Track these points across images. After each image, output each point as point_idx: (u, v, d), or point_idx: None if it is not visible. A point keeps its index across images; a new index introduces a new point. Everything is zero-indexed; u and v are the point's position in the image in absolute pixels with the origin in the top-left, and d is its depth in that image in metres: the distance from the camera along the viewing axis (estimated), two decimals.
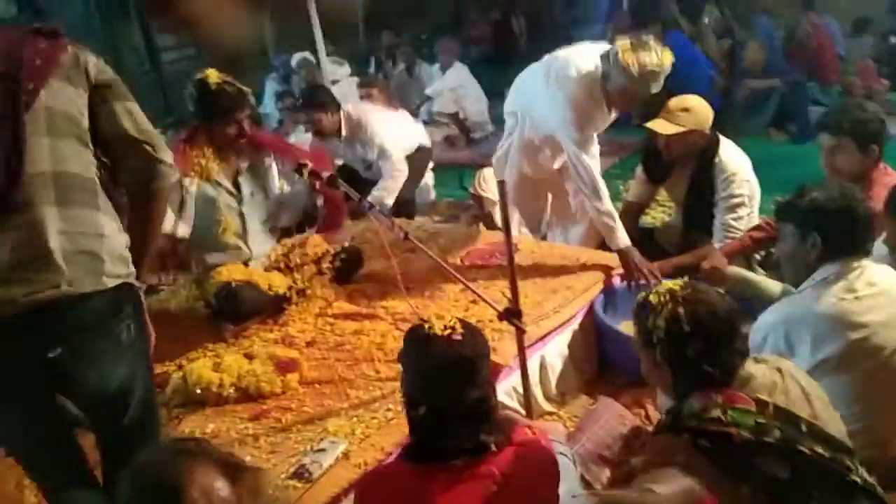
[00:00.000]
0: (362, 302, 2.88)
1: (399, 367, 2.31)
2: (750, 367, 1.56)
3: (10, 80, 1.51)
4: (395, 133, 4.18)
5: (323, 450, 2.02)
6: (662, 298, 1.55)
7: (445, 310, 2.71)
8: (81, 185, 1.59)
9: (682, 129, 2.99)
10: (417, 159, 4.36)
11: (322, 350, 2.59)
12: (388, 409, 2.17)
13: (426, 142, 4.57)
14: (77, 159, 1.59)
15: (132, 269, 1.68)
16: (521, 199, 3.42)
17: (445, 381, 1.45)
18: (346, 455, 2.00)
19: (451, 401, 1.44)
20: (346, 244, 3.11)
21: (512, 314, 2.18)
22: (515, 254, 2.96)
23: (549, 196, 3.55)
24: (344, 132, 4.11)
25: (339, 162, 4.25)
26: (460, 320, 1.52)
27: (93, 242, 1.59)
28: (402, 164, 4.11)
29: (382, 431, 2.09)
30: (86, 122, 1.63)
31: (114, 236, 1.64)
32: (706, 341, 1.49)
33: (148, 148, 1.68)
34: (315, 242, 3.01)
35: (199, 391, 2.34)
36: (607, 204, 2.91)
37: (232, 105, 2.69)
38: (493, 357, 2.27)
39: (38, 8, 6.44)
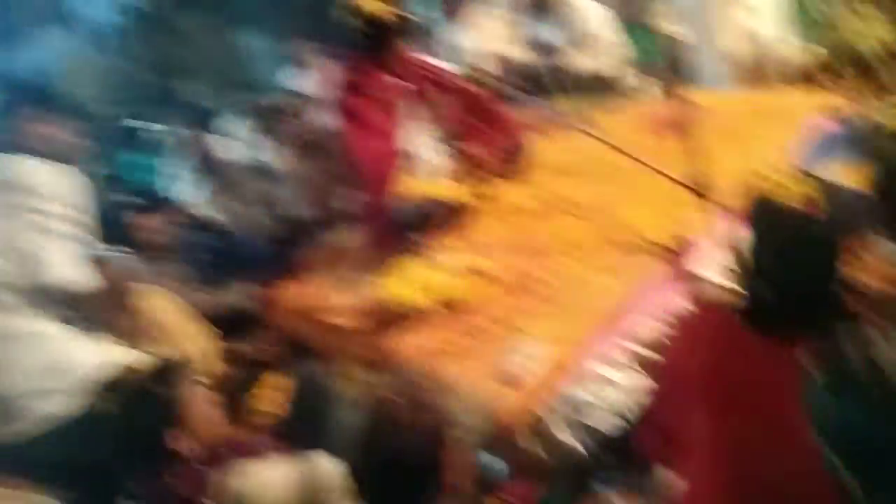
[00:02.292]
0: (542, 197, 2.81)
1: (587, 259, 2.34)
2: None
3: None
4: None
5: (521, 352, 2.05)
6: None
7: (630, 191, 2.58)
8: None
9: None
10: None
11: (508, 251, 2.58)
12: (581, 303, 2.14)
13: None
14: None
15: None
16: None
17: (799, 267, 1.29)
18: (545, 354, 2.01)
19: (800, 281, 1.29)
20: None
21: (697, 189, 2.03)
22: (707, 113, 2.74)
23: None
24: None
25: None
26: (822, 182, 1.34)
27: None
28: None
29: (577, 326, 2.09)
30: None
31: None
32: None
33: None
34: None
35: (397, 308, 2.45)
36: None
37: (387, 36, 2.72)
38: (689, 234, 2.20)
39: None
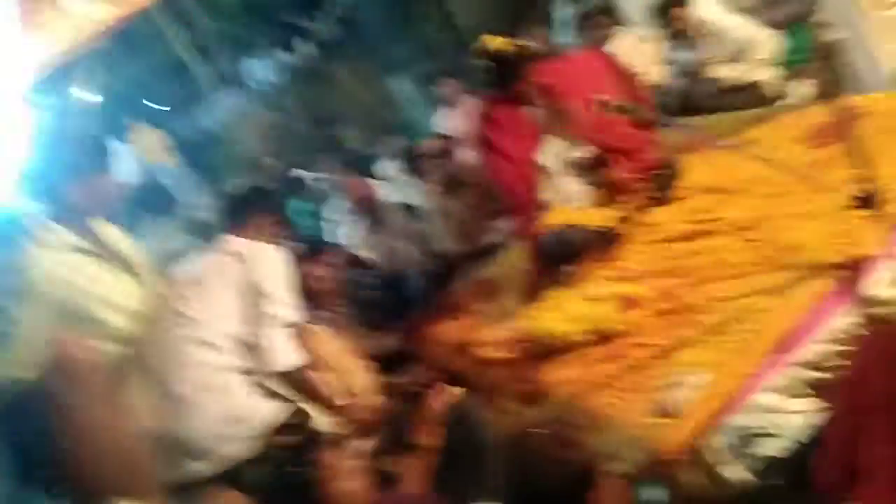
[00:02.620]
0: (693, 218, 2.71)
1: (747, 282, 2.21)
2: None
3: None
4: None
5: (681, 383, 1.97)
6: None
7: (790, 207, 2.43)
8: None
9: None
10: None
11: (662, 278, 2.50)
12: (744, 331, 2.02)
13: None
14: None
15: None
16: None
17: None
18: (706, 385, 1.92)
19: None
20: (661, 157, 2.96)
21: (867, 199, 1.87)
22: (868, 117, 2.56)
23: None
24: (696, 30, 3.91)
25: None
26: None
27: None
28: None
29: (740, 355, 1.96)
30: None
31: None
32: None
33: None
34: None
35: (551, 343, 2.45)
36: None
37: (513, 67, 2.75)
38: (858, 249, 2.04)
39: None
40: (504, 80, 2.78)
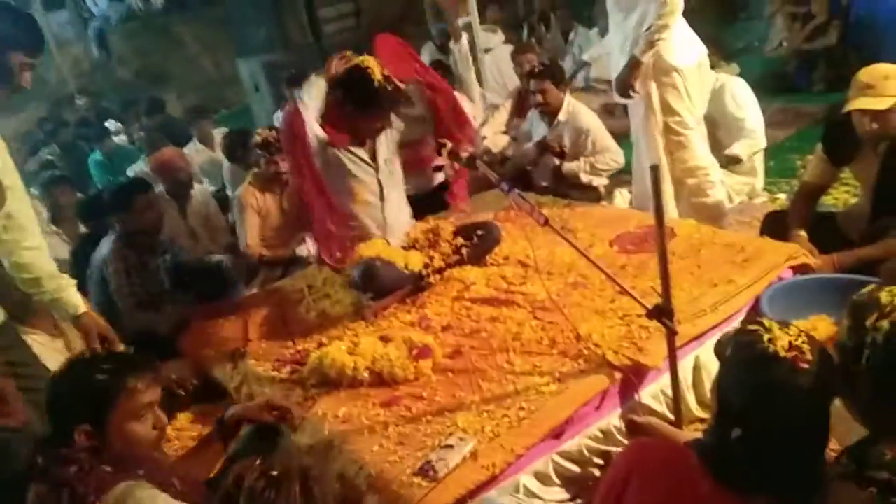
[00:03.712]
0: (501, 286, 2.75)
1: (534, 361, 2.25)
2: None
3: None
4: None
5: (450, 446, 1.92)
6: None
7: (589, 300, 2.53)
8: None
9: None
10: None
11: (457, 336, 2.50)
12: (521, 408, 2.02)
13: None
14: None
15: None
16: None
17: (774, 414, 1.21)
18: (473, 454, 1.89)
19: (774, 436, 1.22)
20: (486, 220, 3.00)
21: (662, 313, 1.96)
22: (671, 240, 2.76)
23: None
24: (563, 116, 4.02)
25: None
26: (809, 337, 1.25)
27: None
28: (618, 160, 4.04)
29: (512, 432, 1.95)
30: None
31: None
32: None
33: None
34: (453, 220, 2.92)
35: (333, 374, 2.33)
36: None
37: (388, 105, 2.70)
38: (640, 358, 2.14)
39: None
40: (366, 105, 2.68)
